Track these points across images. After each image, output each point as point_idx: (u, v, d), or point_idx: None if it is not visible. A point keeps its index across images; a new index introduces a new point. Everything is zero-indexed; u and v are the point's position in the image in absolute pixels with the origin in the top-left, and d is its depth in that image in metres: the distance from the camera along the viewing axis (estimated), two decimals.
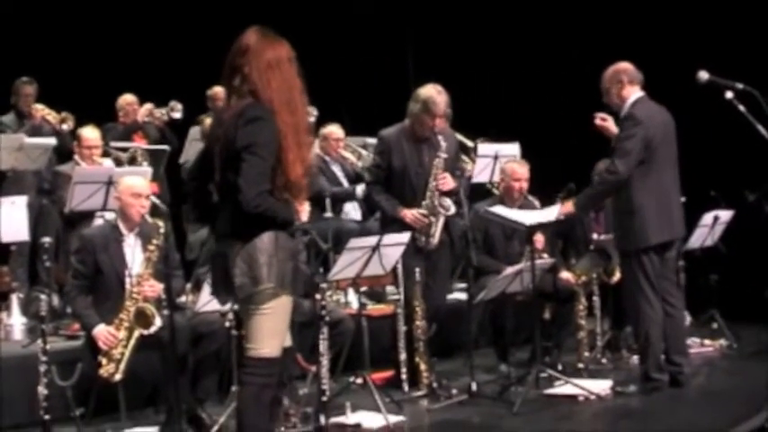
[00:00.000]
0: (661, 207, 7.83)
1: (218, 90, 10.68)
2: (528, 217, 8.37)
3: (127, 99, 11.02)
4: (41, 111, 9.88)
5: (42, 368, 6.85)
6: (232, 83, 5.43)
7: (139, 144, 10.43)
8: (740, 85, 7.29)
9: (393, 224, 8.27)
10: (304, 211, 5.60)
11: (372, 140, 9.61)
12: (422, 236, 8.25)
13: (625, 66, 7.95)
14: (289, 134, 5.30)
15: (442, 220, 8.31)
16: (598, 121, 8.10)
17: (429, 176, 8.28)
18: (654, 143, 7.79)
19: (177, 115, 10.87)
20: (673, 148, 7.98)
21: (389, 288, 9.43)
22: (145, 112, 10.82)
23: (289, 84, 5.40)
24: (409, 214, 8.26)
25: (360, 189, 10.06)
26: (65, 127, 9.79)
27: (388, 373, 8.49)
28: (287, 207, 5.37)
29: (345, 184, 10.45)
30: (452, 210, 8.25)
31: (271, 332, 5.40)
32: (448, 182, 8.25)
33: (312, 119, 10.48)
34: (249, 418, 5.40)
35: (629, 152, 7.74)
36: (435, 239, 8.31)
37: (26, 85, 10.10)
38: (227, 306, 6.80)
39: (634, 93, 7.91)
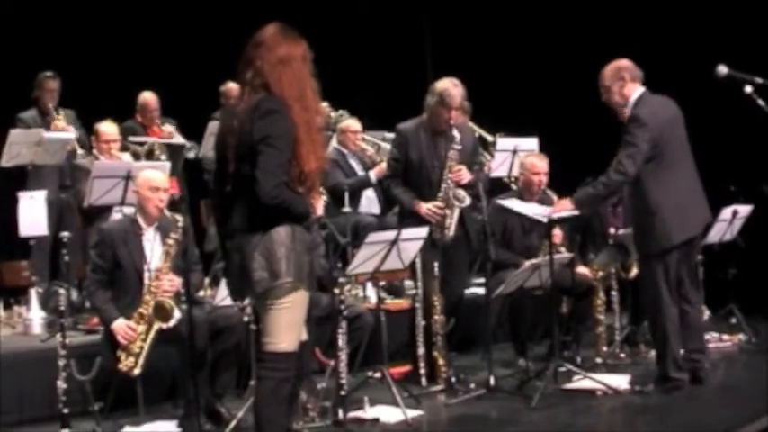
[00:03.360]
0: (679, 204, 7.72)
1: (231, 86, 10.71)
2: (533, 211, 8.38)
3: (149, 104, 10.88)
4: (60, 124, 9.83)
5: (61, 362, 6.89)
6: (245, 76, 5.45)
7: (157, 139, 10.43)
8: (759, 80, 7.28)
9: (411, 217, 8.30)
10: (319, 205, 5.61)
11: (391, 135, 9.62)
12: (437, 228, 8.25)
13: (625, 62, 7.85)
14: (302, 128, 5.31)
15: (456, 213, 8.31)
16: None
17: (445, 169, 8.30)
18: (662, 141, 7.68)
19: (191, 155, 10.83)
20: (683, 140, 7.87)
21: (407, 282, 9.44)
22: (167, 135, 10.78)
23: (300, 81, 5.39)
24: (424, 208, 8.27)
25: (373, 174, 10.09)
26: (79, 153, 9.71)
27: (407, 368, 8.50)
28: (302, 200, 5.38)
29: None
30: (467, 201, 8.25)
31: (288, 326, 5.40)
32: (464, 174, 8.26)
33: (336, 116, 10.54)
34: (267, 412, 5.41)
35: (636, 153, 7.60)
36: (451, 232, 8.31)
37: (50, 80, 10.05)
38: (246, 300, 6.83)
39: (636, 90, 7.81)
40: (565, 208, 7.95)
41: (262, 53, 5.41)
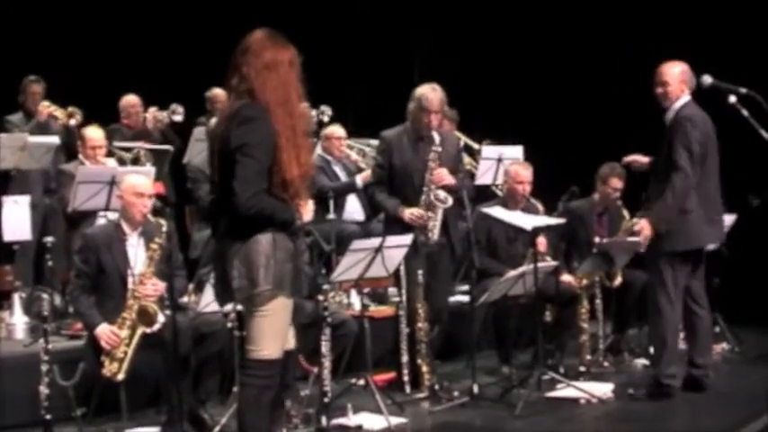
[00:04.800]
0: (708, 211, 7.85)
1: (218, 92, 10.73)
2: (526, 221, 8.39)
3: (130, 101, 11.01)
4: (48, 108, 9.86)
5: (44, 368, 6.85)
6: (232, 82, 5.47)
7: (143, 144, 10.42)
8: (743, 90, 7.32)
9: (396, 224, 8.29)
10: (307, 210, 5.60)
11: (376, 142, 9.62)
12: (421, 232, 8.23)
13: (688, 68, 7.91)
14: (284, 134, 5.31)
15: (440, 214, 8.29)
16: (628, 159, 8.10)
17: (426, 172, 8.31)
18: (704, 149, 7.77)
19: (178, 118, 10.90)
20: (716, 156, 7.96)
21: (391, 290, 9.43)
22: (152, 118, 10.84)
23: (285, 86, 5.41)
24: (407, 213, 8.27)
25: (359, 179, 10.07)
26: (72, 122, 9.77)
27: (390, 375, 8.50)
28: (286, 207, 5.37)
29: None
30: (449, 201, 8.24)
31: (270, 334, 5.41)
32: (444, 176, 8.26)
33: (326, 118, 10.54)
34: (249, 419, 5.41)
35: (690, 151, 7.68)
36: (435, 235, 8.29)
37: (34, 83, 10.11)
38: (230, 306, 6.83)
39: (685, 96, 7.88)
40: (647, 232, 7.79)
41: (248, 59, 5.42)
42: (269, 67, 5.40)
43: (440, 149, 8.27)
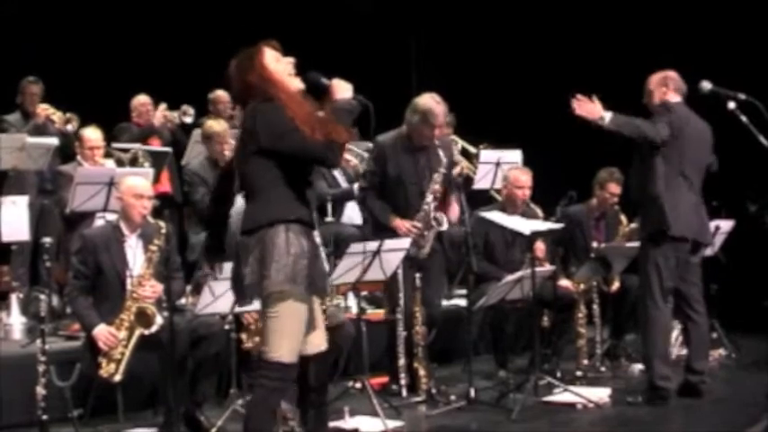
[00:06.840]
0: (678, 203, 7.77)
1: (220, 93, 10.75)
2: (524, 226, 8.38)
3: (140, 100, 11.05)
4: (46, 110, 9.87)
5: (41, 368, 6.87)
6: (237, 109, 5.64)
7: (141, 146, 10.42)
8: (743, 96, 7.32)
9: (384, 231, 8.23)
10: (343, 89, 5.87)
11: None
12: (412, 246, 8.17)
13: (672, 74, 7.89)
14: (290, 108, 5.40)
15: (433, 233, 8.28)
16: (576, 108, 7.81)
17: (423, 186, 8.28)
18: (680, 143, 7.71)
19: (189, 119, 10.93)
20: (703, 158, 7.95)
21: None
22: (161, 116, 10.87)
23: (271, 79, 5.50)
24: (402, 226, 8.23)
25: (357, 187, 10.04)
26: (69, 127, 9.78)
27: (387, 378, 8.49)
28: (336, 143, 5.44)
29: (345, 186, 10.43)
30: (445, 225, 8.23)
31: (280, 335, 5.38)
32: (455, 211, 8.28)
33: None
34: (254, 421, 5.40)
35: (662, 125, 7.66)
36: (426, 250, 8.28)
37: (31, 84, 10.12)
38: (226, 309, 6.84)
39: (674, 99, 7.87)
40: (594, 111, 7.75)
41: (233, 84, 5.58)
42: (249, 84, 5.51)
43: (446, 171, 8.24)
